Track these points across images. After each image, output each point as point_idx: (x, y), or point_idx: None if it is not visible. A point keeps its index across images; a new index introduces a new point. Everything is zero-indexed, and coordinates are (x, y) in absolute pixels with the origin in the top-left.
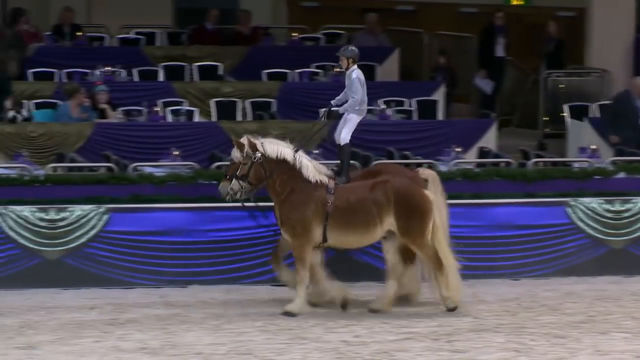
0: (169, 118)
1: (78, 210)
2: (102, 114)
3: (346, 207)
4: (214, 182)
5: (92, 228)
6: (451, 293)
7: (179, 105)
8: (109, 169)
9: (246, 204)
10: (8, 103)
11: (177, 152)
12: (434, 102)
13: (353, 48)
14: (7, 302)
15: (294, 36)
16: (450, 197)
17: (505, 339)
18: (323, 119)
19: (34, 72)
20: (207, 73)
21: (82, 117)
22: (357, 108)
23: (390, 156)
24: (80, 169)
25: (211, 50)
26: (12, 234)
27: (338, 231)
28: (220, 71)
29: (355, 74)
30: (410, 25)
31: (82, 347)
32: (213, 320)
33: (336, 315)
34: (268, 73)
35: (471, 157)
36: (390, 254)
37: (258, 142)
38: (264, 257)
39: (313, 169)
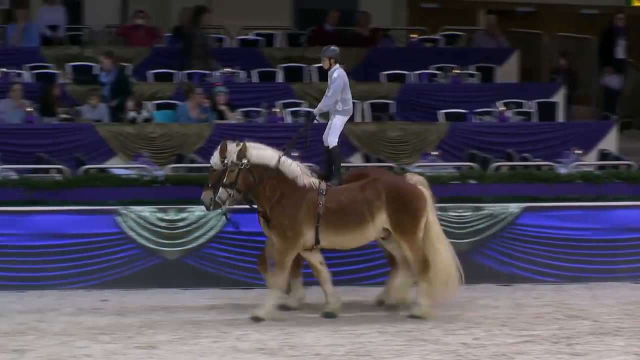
0: (288, 119)
1: (198, 211)
2: (221, 115)
3: (337, 208)
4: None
5: (211, 229)
6: (427, 302)
7: (297, 106)
8: None
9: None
10: (129, 104)
11: (296, 154)
12: (554, 103)
13: (334, 48)
14: (128, 302)
15: (413, 38)
16: (570, 200)
17: (626, 342)
18: (306, 126)
19: (154, 73)
20: (326, 74)
21: (201, 118)
22: (340, 109)
23: (509, 158)
24: (200, 169)
25: None
26: (132, 234)
27: (330, 232)
28: None
29: (337, 73)
30: (530, 27)
31: (201, 347)
32: (332, 321)
33: (455, 317)
34: (387, 74)
35: (591, 160)
36: (397, 249)
37: (244, 148)
38: (382, 259)
39: (301, 171)
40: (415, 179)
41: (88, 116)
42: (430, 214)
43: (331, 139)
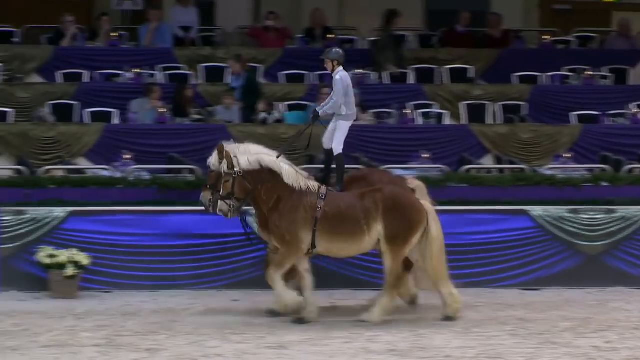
0: (419, 121)
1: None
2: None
3: (335, 214)
4: (464, 185)
5: None
6: (380, 314)
7: (429, 107)
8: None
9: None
10: (260, 106)
11: (426, 155)
12: None
13: (337, 50)
14: (259, 303)
15: (546, 39)
16: None
17: None
18: (310, 122)
19: (285, 74)
20: (458, 76)
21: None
22: (343, 114)
23: None
24: None
25: (462, 53)
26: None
27: (325, 238)
28: (471, 74)
29: (339, 75)
30: None
31: (332, 348)
32: (462, 323)
33: (586, 320)
34: (519, 76)
35: None
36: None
37: (233, 156)
38: (513, 261)
39: (297, 174)
40: (415, 184)
41: (221, 117)
42: (433, 228)
43: (335, 146)
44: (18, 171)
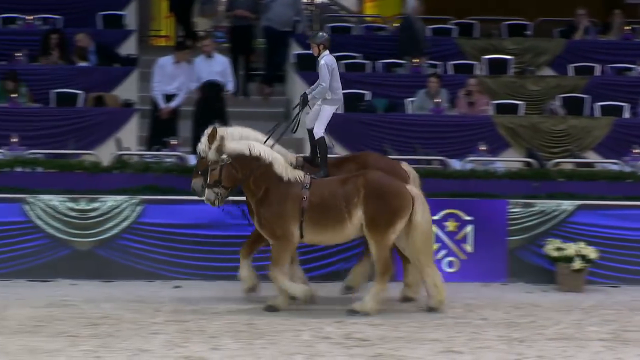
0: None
1: None
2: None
3: (319, 203)
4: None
5: None
6: (372, 304)
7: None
8: None
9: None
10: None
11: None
12: None
13: (323, 34)
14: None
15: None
16: None
17: None
18: (298, 107)
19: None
20: None
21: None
22: (328, 98)
23: None
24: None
25: None
26: None
27: (312, 228)
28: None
29: (324, 60)
30: None
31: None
32: None
33: None
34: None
35: None
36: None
37: (222, 142)
38: None
39: (285, 164)
40: (409, 170)
41: None
42: (418, 215)
43: (317, 130)
44: (527, 164)
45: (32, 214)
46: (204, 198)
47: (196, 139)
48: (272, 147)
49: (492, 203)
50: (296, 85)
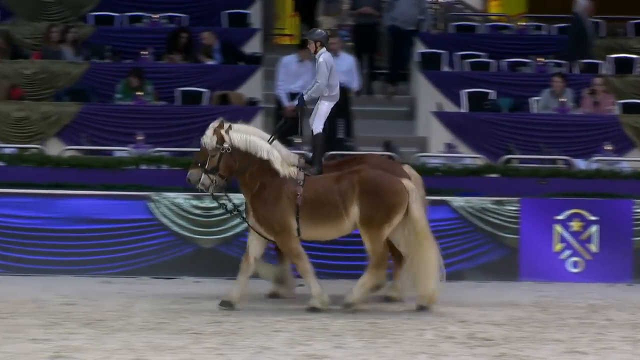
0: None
1: None
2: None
3: (314, 199)
4: None
5: None
6: (358, 294)
7: None
8: None
9: (216, 195)
10: None
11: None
12: None
13: (321, 31)
14: None
15: None
16: None
17: None
18: (297, 106)
19: None
20: None
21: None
22: (326, 94)
23: None
24: None
25: None
26: None
27: (307, 224)
28: None
29: (322, 57)
30: None
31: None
32: None
33: None
34: None
35: None
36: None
37: (225, 131)
38: None
39: (282, 160)
40: (411, 173)
41: None
42: (415, 211)
43: (315, 126)
44: None
45: (157, 211)
46: (198, 186)
47: None
48: (270, 142)
49: (618, 203)
50: (420, 84)
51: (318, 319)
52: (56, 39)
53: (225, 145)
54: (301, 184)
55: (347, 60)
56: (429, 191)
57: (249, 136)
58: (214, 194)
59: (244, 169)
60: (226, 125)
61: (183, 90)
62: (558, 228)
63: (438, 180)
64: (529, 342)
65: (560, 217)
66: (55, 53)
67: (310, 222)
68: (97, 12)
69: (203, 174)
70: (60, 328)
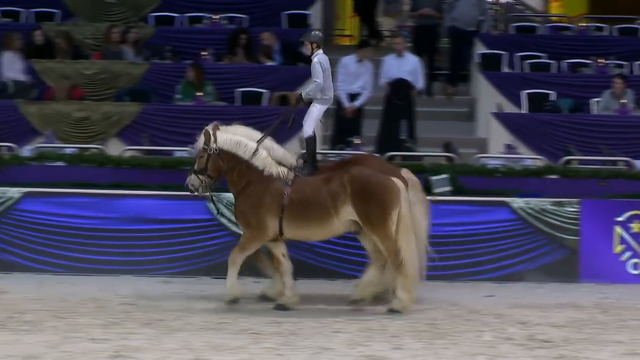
0: None
1: None
2: None
3: (301, 199)
4: None
5: None
6: (406, 296)
7: None
8: None
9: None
10: None
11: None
12: None
13: (317, 32)
14: None
15: None
16: None
17: None
18: (294, 105)
19: None
20: None
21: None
22: (319, 97)
23: None
24: None
25: None
26: None
27: (293, 224)
28: None
29: (317, 58)
30: None
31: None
32: None
33: None
34: None
35: None
36: (369, 244)
37: (212, 132)
38: None
39: (270, 160)
40: (409, 177)
41: None
42: (404, 207)
43: (306, 128)
44: None
45: (216, 212)
46: (194, 191)
47: (383, 137)
48: (260, 142)
49: None
50: (480, 85)
51: (377, 320)
52: (117, 40)
53: (212, 145)
54: (289, 183)
55: (412, 61)
56: (489, 192)
57: (235, 136)
58: (203, 194)
59: (231, 169)
60: (213, 126)
61: (243, 91)
62: (618, 229)
63: (498, 181)
64: (588, 343)
65: (620, 219)
66: (115, 53)
67: (296, 222)
68: (157, 12)
69: (192, 175)
70: (120, 328)
